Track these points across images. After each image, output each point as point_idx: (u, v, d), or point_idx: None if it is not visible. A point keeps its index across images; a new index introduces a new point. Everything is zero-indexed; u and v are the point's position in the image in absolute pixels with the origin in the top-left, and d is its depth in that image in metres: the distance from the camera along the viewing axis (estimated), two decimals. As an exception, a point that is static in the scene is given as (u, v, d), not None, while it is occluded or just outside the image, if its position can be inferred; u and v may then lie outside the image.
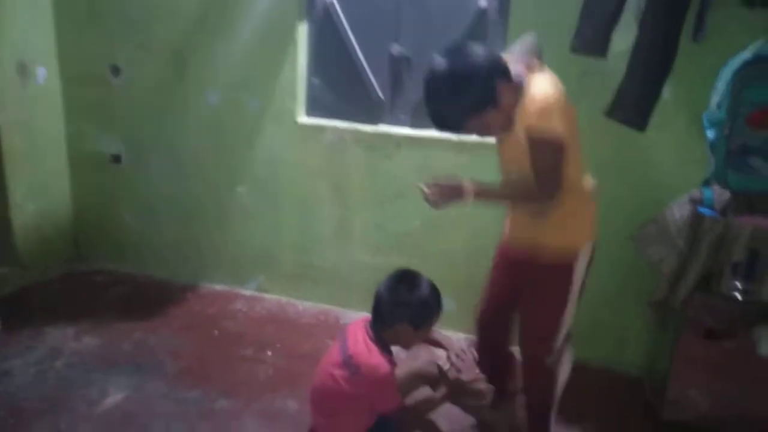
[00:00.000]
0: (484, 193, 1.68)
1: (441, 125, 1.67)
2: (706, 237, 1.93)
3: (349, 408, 1.76)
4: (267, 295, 3.12)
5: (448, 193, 1.66)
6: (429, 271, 2.76)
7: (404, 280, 1.79)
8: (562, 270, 1.72)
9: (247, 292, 3.16)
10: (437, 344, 1.97)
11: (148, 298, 3.05)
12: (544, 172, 1.59)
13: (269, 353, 2.59)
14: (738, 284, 1.96)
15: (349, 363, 1.73)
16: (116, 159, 3.21)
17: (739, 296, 1.96)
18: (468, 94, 1.56)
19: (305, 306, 3.04)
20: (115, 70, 3.08)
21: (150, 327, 2.75)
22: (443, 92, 1.58)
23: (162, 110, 3.06)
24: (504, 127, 1.66)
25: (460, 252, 2.76)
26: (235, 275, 3.17)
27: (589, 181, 1.79)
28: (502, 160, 1.82)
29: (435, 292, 1.79)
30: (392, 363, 1.76)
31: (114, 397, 2.22)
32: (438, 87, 1.58)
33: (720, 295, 1.99)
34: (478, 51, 1.57)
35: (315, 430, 1.88)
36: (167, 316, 2.88)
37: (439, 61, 1.57)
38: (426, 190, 1.68)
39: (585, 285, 1.82)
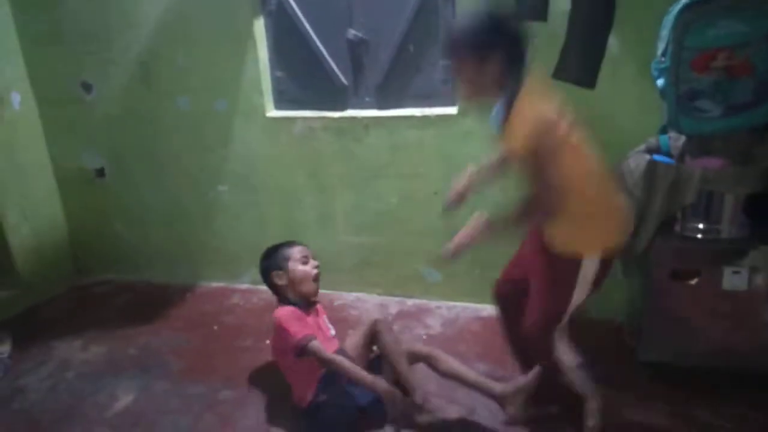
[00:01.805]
0: (496, 226, 1.73)
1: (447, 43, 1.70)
2: (660, 183, 1.99)
3: (285, 360, 2.16)
4: (262, 287, 3.15)
5: (464, 243, 1.77)
6: (411, 244, 2.90)
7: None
8: (570, 263, 1.71)
9: (243, 286, 3.27)
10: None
11: (148, 303, 3.16)
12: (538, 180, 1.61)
13: (268, 342, 2.69)
14: (696, 225, 2.03)
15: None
16: (100, 173, 3.31)
17: (699, 236, 2.04)
18: (477, 30, 1.59)
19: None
20: (87, 87, 3.15)
21: (153, 330, 2.87)
22: (465, 21, 1.68)
23: (136, 121, 3.14)
24: (473, 90, 1.67)
25: (439, 225, 2.82)
26: (229, 271, 3.28)
27: (611, 193, 1.75)
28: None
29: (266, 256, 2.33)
30: (293, 309, 2.18)
31: (123, 400, 2.34)
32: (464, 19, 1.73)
33: (681, 237, 2.06)
34: (510, 24, 1.61)
35: None
36: (168, 317, 3.00)
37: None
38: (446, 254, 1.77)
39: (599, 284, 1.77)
